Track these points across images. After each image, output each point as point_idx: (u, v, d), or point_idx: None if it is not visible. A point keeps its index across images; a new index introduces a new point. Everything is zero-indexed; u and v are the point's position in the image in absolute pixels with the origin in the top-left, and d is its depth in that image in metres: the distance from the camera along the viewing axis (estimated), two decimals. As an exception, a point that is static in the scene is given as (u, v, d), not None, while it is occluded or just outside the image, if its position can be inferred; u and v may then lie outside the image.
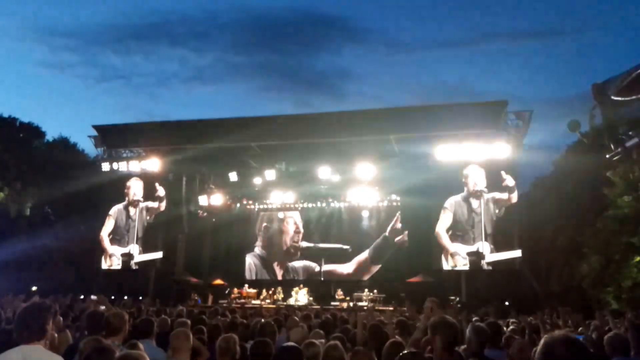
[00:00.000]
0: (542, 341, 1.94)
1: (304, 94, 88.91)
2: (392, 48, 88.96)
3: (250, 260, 21.54)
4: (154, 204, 19.44)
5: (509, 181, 16.16)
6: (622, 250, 17.02)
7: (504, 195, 16.16)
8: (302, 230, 21.07)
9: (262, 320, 5.83)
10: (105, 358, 2.92)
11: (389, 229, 19.85)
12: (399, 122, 16.80)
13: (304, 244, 20.81)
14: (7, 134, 25.02)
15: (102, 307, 6.31)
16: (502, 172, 16.22)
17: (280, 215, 22.01)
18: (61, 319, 6.42)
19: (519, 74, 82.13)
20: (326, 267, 20.42)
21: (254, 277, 21.20)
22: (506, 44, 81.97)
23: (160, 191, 19.40)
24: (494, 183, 16.37)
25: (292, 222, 21.31)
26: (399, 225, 19.67)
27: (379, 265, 19.84)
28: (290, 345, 3.61)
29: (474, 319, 7.51)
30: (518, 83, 75.67)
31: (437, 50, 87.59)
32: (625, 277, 16.83)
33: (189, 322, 5.65)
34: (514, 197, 16.13)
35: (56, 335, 4.28)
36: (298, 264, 20.94)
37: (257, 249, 21.66)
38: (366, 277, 19.89)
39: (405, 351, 3.08)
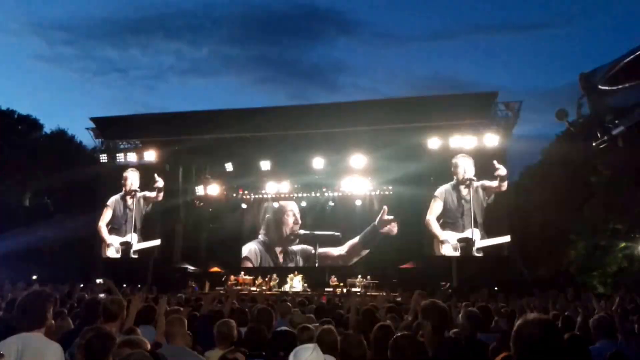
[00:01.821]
0: (517, 322, 2.00)
1: (298, 86, 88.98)
2: (384, 40, 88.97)
3: (254, 246, 22.03)
4: (152, 194, 19.73)
5: (502, 170, 16.50)
6: (608, 237, 17.54)
7: (494, 183, 16.52)
8: (299, 221, 21.57)
9: (259, 306, 5.88)
10: (107, 344, 2.91)
11: (377, 219, 20.32)
12: (391, 113, 17.12)
13: (301, 231, 21.34)
14: (6, 126, 25.10)
15: (102, 295, 6.54)
16: (495, 162, 16.53)
17: (275, 205, 22.42)
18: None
19: (509, 65, 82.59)
20: (321, 251, 20.95)
21: (258, 262, 21.65)
22: (496, 36, 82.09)
23: (159, 182, 19.68)
24: (484, 172, 16.74)
25: (292, 214, 21.82)
26: (386, 217, 20.15)
27: (368, 250, 20.35)
28: (285, 330, 3.64)
29: (464, 304, 7.87)
30: (508, 74, 76.23)
31: (428, 43, 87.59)
32: (611, 262, 17.39)
33: (181, 309, 5.59)
34: (504, 186, 16.49)
35: (53, 322, 4.14)
36: (296, 247, 21.50)
37: (261, 236, 22.13)
38: (356, 259, 20.44)
39: (399, 334, 3.11)
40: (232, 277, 19.73)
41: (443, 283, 16.56)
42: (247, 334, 3.81)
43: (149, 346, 2.96)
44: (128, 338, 3.02)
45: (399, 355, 2.83)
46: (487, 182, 16.61)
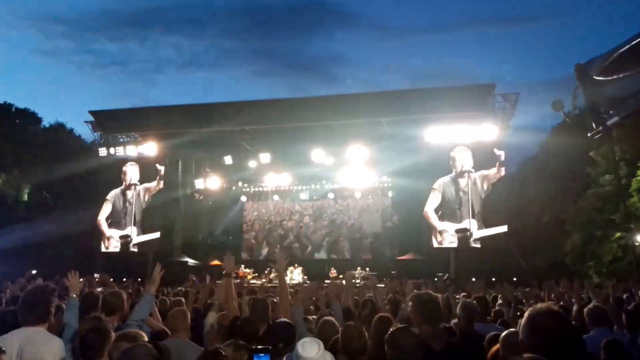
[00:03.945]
0: (526, 313, 1.99)
1: (297, 79, 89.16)
2: (383, 33, 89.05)
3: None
4: (151, 184, 19.72)
5: (502, 155, 16.44)
6: (604, 227, 17.71)
7: (492, 170, 16.49)
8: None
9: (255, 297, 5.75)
10: (102, 337, 2.90)
11: None
12: (390, 106, 17.12)
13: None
14: (4, 120, 25.03)
15: (100, 289, 6.58)
16: (495, 149, 16.47)
17: (276, 197, 22.62)
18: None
19: (506, 57, 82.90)
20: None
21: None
22: (493, 29, 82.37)
23: (162, 170, 19.64)
24: (482, 163, 16.78)
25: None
26: None
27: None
28: (284, 321, 3.62)
29: (461, 295, 7.97)
30: (505, 66, 76.33)
31: (427, 35, 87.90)
32: (606, 252, 17.55)
33: (183, 300, 5.69)
34: (503, 170, 16.44)
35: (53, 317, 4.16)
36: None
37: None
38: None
39: (394, 327, 3.02)
40: (232, 270, 19.81)
41: (440, 274, 16.69)
42: (239, 327, 3.81)
43: (146, 339, 2.92)
44: (125, 332, 3.00)
45: (396, 349, 2.75)
46: (485, 171, 16.59)
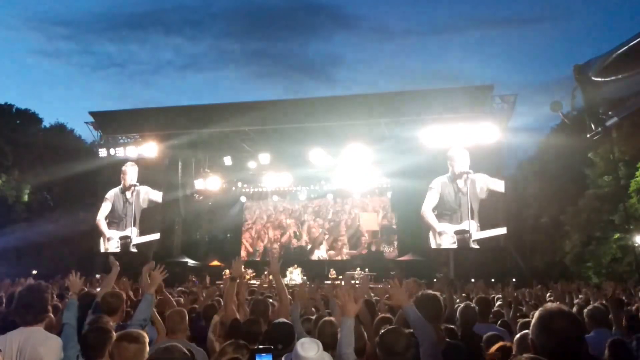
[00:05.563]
0: (537, 314, 1.97)
1: (296, 80, 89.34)
2: (382, 35, 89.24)
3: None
4: (152, 193, 19.69)
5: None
6: (603, 228, 17.71)
7: (494, 180, 16.41)
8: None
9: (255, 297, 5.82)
10: (103, 337, 2.92)
11: None
12: (389, 107, 17.14)
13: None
14: (4, 121, 25.04)
15: (99, 289, 6.56)
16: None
17: (276, 197, 22.62)
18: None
19: (504, 59, 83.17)
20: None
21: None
22: (492, 31, 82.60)
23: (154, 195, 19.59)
24: (481, 164, 16.79)
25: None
26: None
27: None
28: (283, 322, 3.65)
29: (462, 295, 7.97)
30: (504, 68, 76.56)
31: (425, 37, 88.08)
32: (605, 253, 17.55)
33: (182, 300, 5.71)
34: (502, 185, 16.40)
35: (53, 316, 4.22)
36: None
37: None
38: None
39: (384, 329, 2.96)
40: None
41: (438, 274, 16.68)
42: (243, 326, 3.82)
43: (147, 339, 2.92)
44: (126, 332, 2.98)
45: (387, 351, 2.71)
46: (487, 177, 16.48)
